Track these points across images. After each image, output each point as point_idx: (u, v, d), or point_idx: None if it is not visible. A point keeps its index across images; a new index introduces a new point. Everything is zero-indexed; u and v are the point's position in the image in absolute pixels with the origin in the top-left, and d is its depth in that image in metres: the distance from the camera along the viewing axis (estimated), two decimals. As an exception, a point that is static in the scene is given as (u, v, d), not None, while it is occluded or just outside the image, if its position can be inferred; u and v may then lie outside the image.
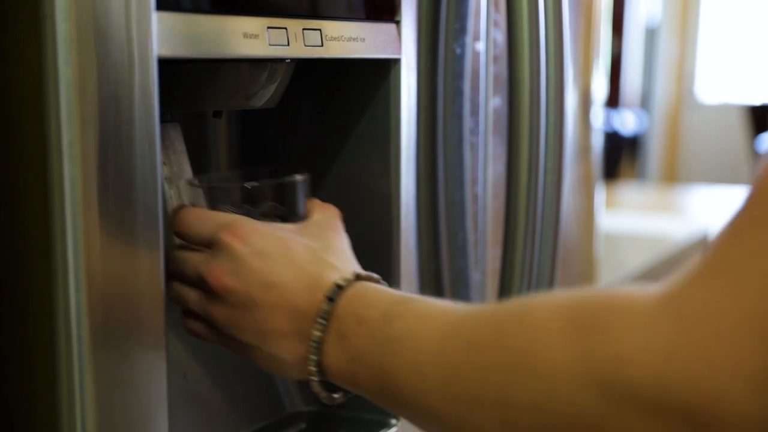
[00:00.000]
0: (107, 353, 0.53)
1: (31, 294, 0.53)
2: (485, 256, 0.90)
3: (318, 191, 0.79)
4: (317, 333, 0.58)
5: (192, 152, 0.71)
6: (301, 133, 0.80)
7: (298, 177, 0.67)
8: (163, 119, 0.66)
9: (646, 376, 0.38)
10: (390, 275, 0.76)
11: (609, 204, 2.56)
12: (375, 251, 0.77)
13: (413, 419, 0.54)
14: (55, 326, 0.52)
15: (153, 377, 0.56)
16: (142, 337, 0.55)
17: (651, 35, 3.40)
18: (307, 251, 0.62)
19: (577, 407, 0.41)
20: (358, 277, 0.60)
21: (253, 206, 0.66)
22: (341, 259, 0.63)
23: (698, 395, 0.37)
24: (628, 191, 2.99)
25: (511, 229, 0.89)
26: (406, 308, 0.56)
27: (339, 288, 0.58)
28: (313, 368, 0.58)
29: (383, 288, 0.60)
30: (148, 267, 0.55)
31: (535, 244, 0.90)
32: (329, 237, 0.65)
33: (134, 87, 0.52)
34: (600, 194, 1.24)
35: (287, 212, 0.68)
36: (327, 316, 0.58)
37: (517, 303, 0.49)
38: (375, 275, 0.61)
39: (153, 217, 0.55)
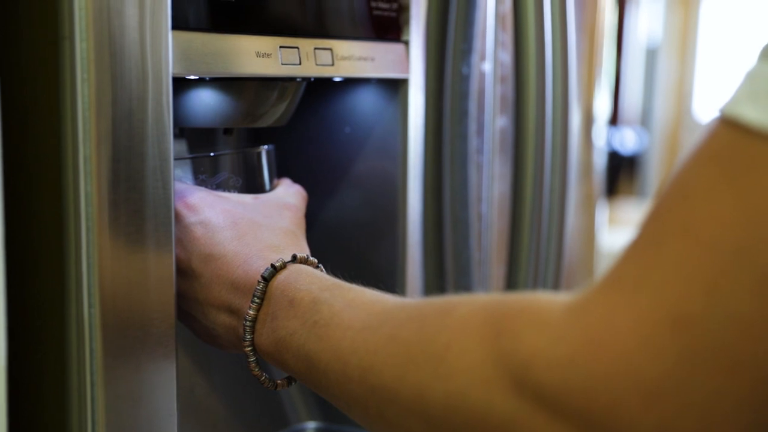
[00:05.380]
0: (119, 367, 0.53)
1: (44, 308, 0.53)
2: (490, 274, 0.91)
3: (325, 209, 0.80)
4: (251, 312, 0.58)
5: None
6: (309, 151, 0.81)
7: (256, 148, 0.67)
8: (174, 135, 0.66)
9: (552, 381, 0.40)
10: (395, 293, 0.77)
11: (609, 222, 2.56)
12: (381, 269, 0.77)
13: (340, 405, 0.54)
14: (67, 340, 0.52)
15: (163, 391, 0.57)
16: (152, 352, 0.56)
17: (651, 55, 3.42)
18: (251, 227, 0.62)
19: (489, 404, 0.42)
20: (294, 259, 0.60)
21: (209, 177, 0.66)
22: (286, 239, 0.63)
23: (596, 405, 0.38)
24: (628, 209, 3.00)
25: (516, 248, 0.90)
26: (334, 294, 0.56)
27: (274, 268, 0.59)
28: (248, 347, 0.59)
29: (318, 272, 0.60)
30: (160, 282, 0.56)
31: (540, 262, 0.90)
32: (281, 215, 0.65)
33: (148, 104, 0.53)
34: (602, 213, 1.24)
35: (245, 184, 0.68)
36: (261, 296, 0.58)
37: (441, 301, 0.50)
38: (313, 259, 0.61)
39: (165, 232, 0.55)
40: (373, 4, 0.72)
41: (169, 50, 0.54)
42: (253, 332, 0.59)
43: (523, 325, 0.42)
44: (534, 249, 0.90)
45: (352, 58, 0.69)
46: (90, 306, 0.52)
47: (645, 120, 3.44)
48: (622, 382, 0.38)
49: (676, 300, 0.37)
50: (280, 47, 0.63)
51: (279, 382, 0.62)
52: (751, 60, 0.38)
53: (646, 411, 0.37)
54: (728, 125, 0.37)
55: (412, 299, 0.55)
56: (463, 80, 0.83)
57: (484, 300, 0.46)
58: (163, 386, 0.57)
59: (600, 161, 1.18)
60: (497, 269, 0.92)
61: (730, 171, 0.37)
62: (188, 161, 0.66)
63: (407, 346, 0.48)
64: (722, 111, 0.38)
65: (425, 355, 0.46)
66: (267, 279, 0.58)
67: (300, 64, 0.64)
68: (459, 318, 0.46)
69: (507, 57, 0.90)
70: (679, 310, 0.37)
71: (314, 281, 0.58)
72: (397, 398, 0.48)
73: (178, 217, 0.61)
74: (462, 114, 0.83)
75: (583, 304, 0.40)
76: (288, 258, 0.60)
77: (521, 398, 0.41)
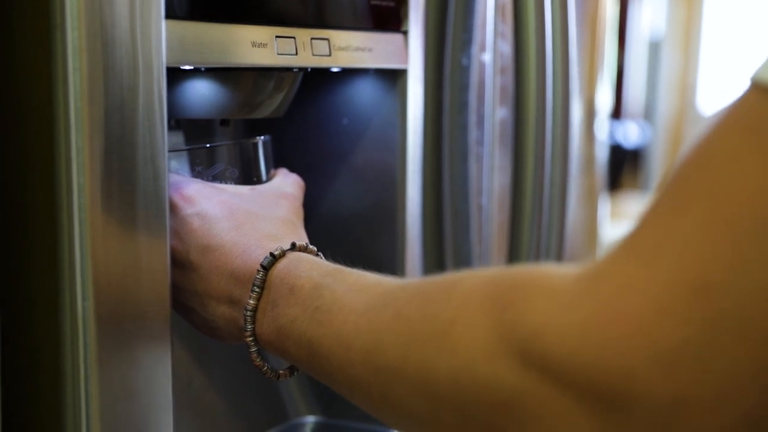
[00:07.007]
0: (113, 361, 0.53)
1: (37, 302, 0.53)
2: (490, 267, 0.90)
3: (323, 201, 0.79)
4: (252, 302, 0.58)
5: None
6: (307, 143, 0.80)
7: (253, 139, 0.66)
8: (170, 127, 0.66)
9: (561, 351, 0.39)
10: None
11: (611, 215, 2.56)
12: (380, 262, 0.77)
13: (342, 390, 0.54)
14: (61, 334, 0.52)
15: (158, 385, 0.56)
16: (147, 345, 0.55)
17: (654, 48, 3.41)
18: (249, 218, 0.62)
19: (494, 378, 0.41)
20: (294, 247, 0.59)
21: (205, 168, 0.66)
22: (284, 228, 0.63)
23: (608, 374, 0.37)
24: (631, 203, 2.99)
25: (516, 241, 0.89)
26: (336, 279, 0.55)
27: (273, 257, 0.58)
28: (249, 338, 0.58)
29: (317, 259, 0.59)
30: (154, 273, 0.55)
31: (540, 256, 0.90)
32: (278, 204, 0.65)
33: (139, 95, 0.53)
34: (604, 206, 1.24)
35: (242, 176, 0.67)
36: (261, 285, 0.58)
37: (445, 277, 0.49)
38: (312, 247, 0.61)
39: (158, 224, 0.55)
40: (371, -6, 0.71)
41: (162, 40, 0.53)
42: (254, 322, 0.58)
43: (530, 296, 0.41)
44: (534, 242, 0.89)
45: (350, 48, 0.69)
46: (84, 299, 0.51)
47: (648, 113, 3.43)
48: (637, 350, 0.37)
49: (697, 267, 0.36)
50: (276, 37, 0.62)
51: (281, 372, 0.61)
52: None
53: (662, 380, 0.36)
54: (757, 91, 0.36)
55: (413, 279, 0.54)
56: (463, 71, 0.82)
57: (488, 274, 0.46)
58: (158, 379, 0.56)
59: (602, 154, 1.18)
60: (497, 262, 0.92)
61: (757, 138, 0.36)
62: (184, 153, 0.66)
63: (411, 323, 0.47)
64: (752, 78, 0.37)
65: (429, 332, 0.46)
66: (266, 268, 0.58)
67: (296, 54, 0.64)
68: (462, 293, 0.45)
69: (507, 48, 0.89)
70: (700, 277, 0.36)
71: (315, 267, 0.58)
72: (402, 378, 0.47)
73: (175, 209, 0.60)
74: (461, 105, 0.82)
75: (596, 272, 0.39)
76: (287, 246, 0.59)
77: (528, 371, 0.40)
